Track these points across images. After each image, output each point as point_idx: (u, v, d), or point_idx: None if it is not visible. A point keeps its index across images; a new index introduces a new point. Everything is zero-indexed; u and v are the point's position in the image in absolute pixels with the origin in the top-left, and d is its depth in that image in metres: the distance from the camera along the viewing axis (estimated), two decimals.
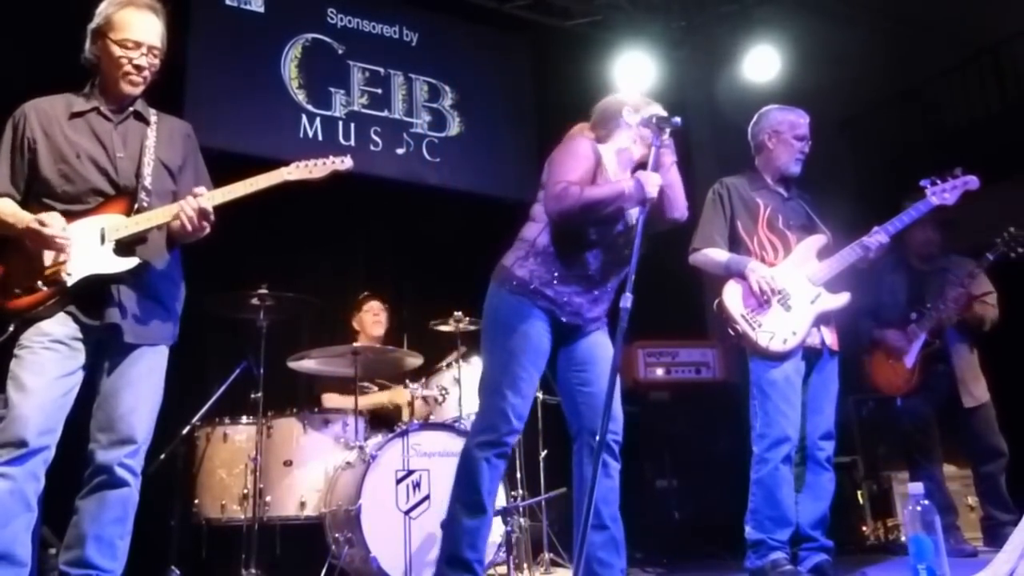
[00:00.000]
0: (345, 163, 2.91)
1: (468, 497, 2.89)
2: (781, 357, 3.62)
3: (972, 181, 3.82)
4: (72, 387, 2.61)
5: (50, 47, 4.49)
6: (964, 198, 3.91)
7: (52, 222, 2.59)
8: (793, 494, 3.63)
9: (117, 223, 2.67)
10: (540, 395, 4.33)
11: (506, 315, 2.97)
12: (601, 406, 2.75)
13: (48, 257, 2.62)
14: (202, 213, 2.67)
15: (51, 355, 2.56)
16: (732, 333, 3.71)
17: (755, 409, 3.69)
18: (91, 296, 2.64)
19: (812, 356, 3.74)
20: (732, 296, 3.71)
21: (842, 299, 3.72)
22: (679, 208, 3.15)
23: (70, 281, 2.61)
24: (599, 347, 3.05)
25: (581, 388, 3.03)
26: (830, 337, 3.75)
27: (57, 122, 2.74)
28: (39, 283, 2.60)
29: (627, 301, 2.62)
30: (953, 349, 4.58)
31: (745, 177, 3.98)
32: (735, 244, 3.85)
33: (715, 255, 3.83)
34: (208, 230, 2.73)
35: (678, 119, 2.89)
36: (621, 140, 3.19)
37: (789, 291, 3.68)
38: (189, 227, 2.67)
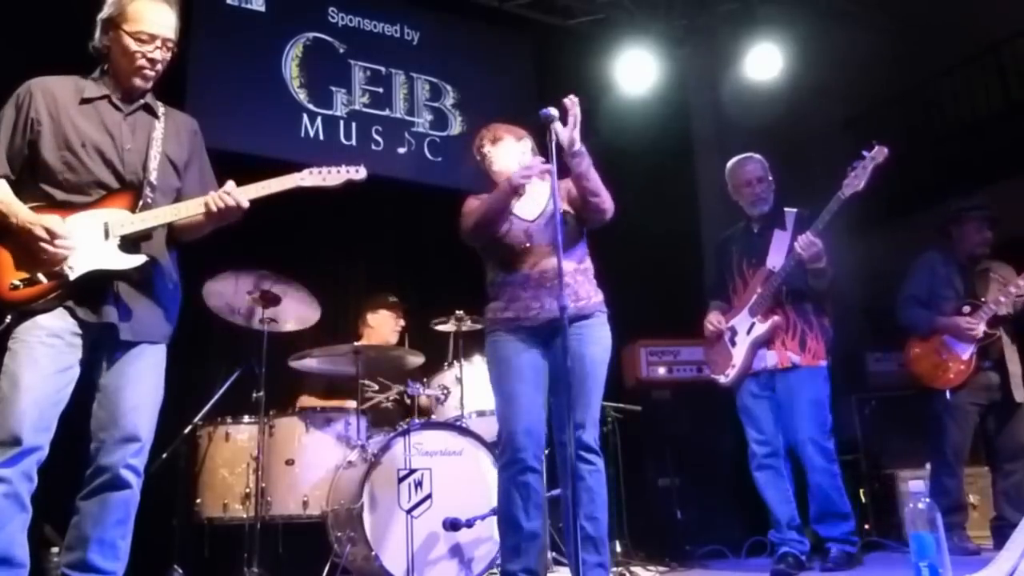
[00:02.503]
0: (360, 173, 2.89)
1: (502, 517, 3.15)
2: (732, 388, 4.26)
3: (878, 153, 3.94)
4: (68, 383, 2.56)
5: (51, 35, 4.50)
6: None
7: (59, 231, 2.53)
8: (778, 495, 4.12)
9: (121, 218, 2.62)
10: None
11: (491, 355, 3.27)
12: (568, 412, 2.89)
13: (42, 252, 2.54)
14: (240, 207, 2.67)
15: (47, 350, 2.51)
16: (708, 374, 4.47)
17: None
18: (90, 292, 2.59)
19: (772, 376, 4.17)
20: (705, 343, 4.47)
21: (767, 324, 4.14)
22: (600, 202, 3.22)
23: (72, 275, 2.55)
24: (574, 352, 3.04)
25: (554, 398, 3.16)
26: (774, 359, 4.13)
27: (65, 106, 2.66)
28: (39, 275, 2.53)
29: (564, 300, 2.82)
30: (1004, 343, 4.56)
31: (740, 224, 4.48)
32: (726, 291, 4.42)
33: (710, 306, 4.46)
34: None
35: (547, 109, 3.02)
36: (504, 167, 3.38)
37: (737, 328, 4.25)
38: (223, 218, 2.68)
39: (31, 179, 2.64)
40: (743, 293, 4.28)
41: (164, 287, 2.76)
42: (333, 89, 6.22)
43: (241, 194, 2.68)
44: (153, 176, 2.70)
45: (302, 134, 6.02)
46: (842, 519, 4.04)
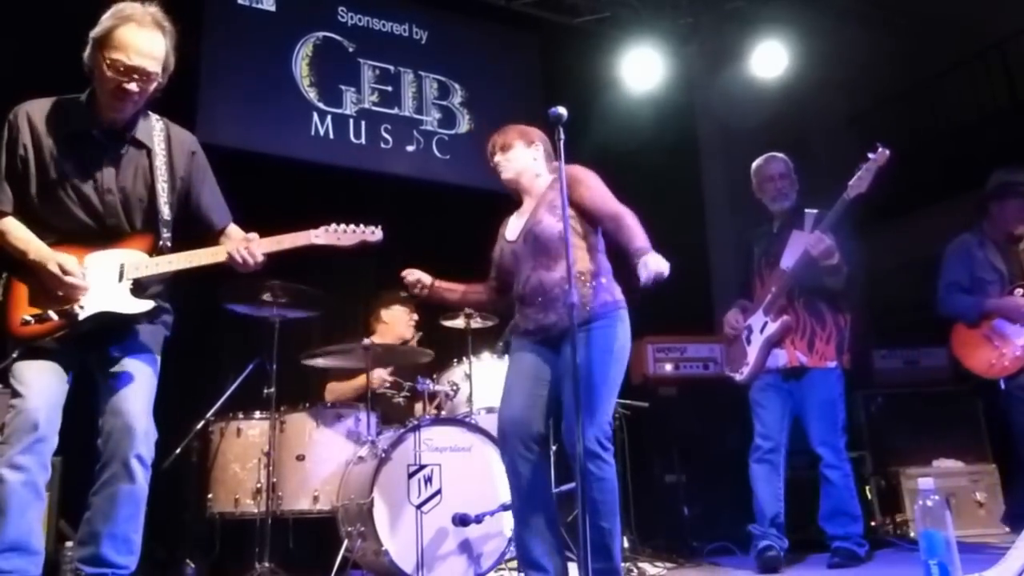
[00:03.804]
0: (376, 235, 2.99)
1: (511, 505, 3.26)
2: (747, 384, 4.33)
3: (879, 155, 3.93)
4: (67, 378, 2.63)
5: (48, 43, 4.51)
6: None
7: (73, 269, 2.56)
8: (769, 490, 4.17)
9: (138, 261, 2.66)
10: None
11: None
12: (569, 419, 2.99)
13: (55, 286, 2.56)
14: (257, 262, 2.73)
15: (45, 351, 2.58)
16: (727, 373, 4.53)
17: None
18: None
19: (787, 375, 4.24)
20: (725, 342, 4.62)
21: (777, 323, 4.22)
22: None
23: (82, 315, 2.58)
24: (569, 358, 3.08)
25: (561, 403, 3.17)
26: (784, 358, 4.21)
27: (48, 142, 2.64)
28: (50, 312, 2.56)
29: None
30: None
31: (760, 225, 4.56)
32: (751, 290, 4.47)
33: (736, 305, 4.51)
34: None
35: (556, 108, 2.93)
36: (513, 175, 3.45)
37: (753, 327, 4.33)
38: (245, 268, 2.73)
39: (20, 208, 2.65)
40: (761, 292, 4.35)
41: (158, 317, 2.79)
42: (343, 88, 6.26)
43: (257, 248, 2.73)
44: (165, 214, 2.73)
45: (312, 132, 6.05)
46: (852, 520, 4.08)
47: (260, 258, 2.73)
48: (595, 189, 3.22)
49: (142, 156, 2.74)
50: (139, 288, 2.67)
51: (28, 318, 2.56)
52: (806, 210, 4.27)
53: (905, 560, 4.23)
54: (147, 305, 2.67)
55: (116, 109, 2.66)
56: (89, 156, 2.68)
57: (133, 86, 2.60)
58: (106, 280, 2.63)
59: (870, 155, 3.95)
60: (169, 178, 2.77)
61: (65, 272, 2.55)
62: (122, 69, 2.57)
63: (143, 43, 2.59)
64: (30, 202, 2.64)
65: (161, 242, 2.70)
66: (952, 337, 4.45)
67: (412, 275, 3.47)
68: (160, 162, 2.75)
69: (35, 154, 2.63)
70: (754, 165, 4.54)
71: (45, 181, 2.63)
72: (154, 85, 2.67)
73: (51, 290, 2.57)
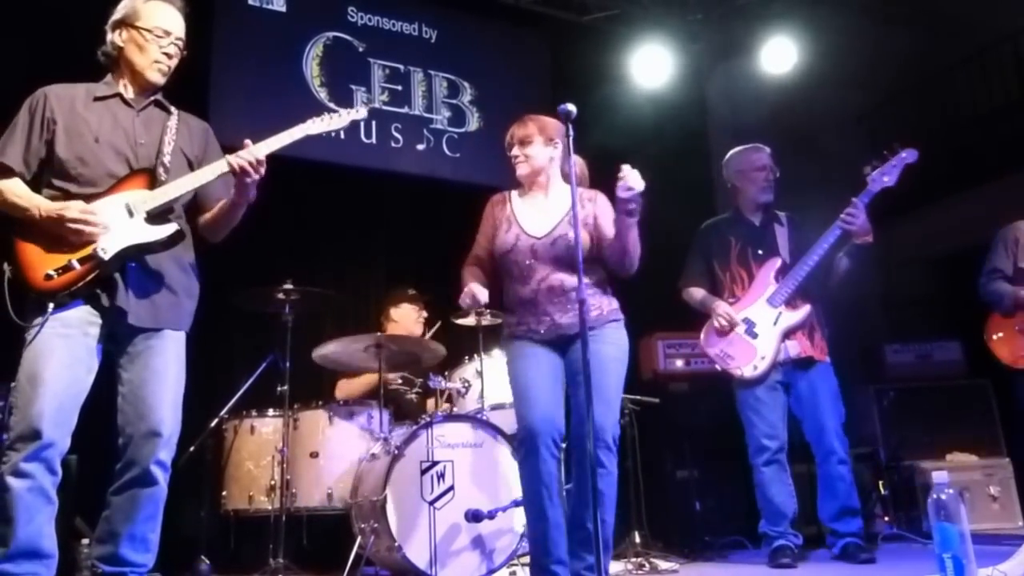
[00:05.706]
0: (361, 112, 3.07)
1: (528, 508, 3.16)
2: (757, 381, 4.14)
3: (909, 155, 3.94)
4: (87, 373, 2.60)
5: (55, 46, 4.55)
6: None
7: (91, 207, 2.58)
8: (784, 489, 4.11)
9: (142, 196, 2.67)
10: None
11: (508, 361, 3.33)
12: (582, 413, 2.97)
13: (77, 235, 2.57)
14: (258, 161, 2.73)
15: (62, 341, 2.54)
16: (719, 368, 4.27)
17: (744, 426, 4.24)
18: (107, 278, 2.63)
19: (794, 367, 4.16)
20: (706, 338, 4.31)
21: (801, 312, 4.13)
22: (625, 261, 3.22)
23: (106, 256, 2.58)
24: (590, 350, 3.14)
25: (571, 399, 3.18)
26: (796, 348, 4.13)
27: (78, 106, 2.74)
28: (72, 262, 2.56)
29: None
30: None
31: (728, 215, 4.47)
32: (714, 280, 4.36)
33: (693, 293, 4.40)
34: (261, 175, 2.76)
35: (565, 105, 2.90)
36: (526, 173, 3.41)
37: (754, 319, 4.17)
38: (249, 173, 2.72)
39: (47, 177, 2.69)
40: (747, 283, 4.26)
41: (172, 273, 2.78)
42: (353, 88, 6.26)
43: (256, 151, 2.76)
44: (167, 159, 2.77)
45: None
46: (857, 515, 4.09)
47: (262, 160, 2.75)
48: (610, 216, 3.30)
49: (163, 116, 2.89)
50: (155, 220, 2.69)
51: (51, 272, 2.55)
52: (774, 211, 4.35)
53: (919, 554, 4.23)
54: (169, 229, 2.69)
55: (159, 74, 2.83)
56: (120, 114, 2.80)
57: (172, 49, 2.84)
58: (118, 220, 2.63)
59: (899, 152, 3.95)
60: (186, 142, 2.88)
61: (87, 212, 2.57)
62: (160, 33, 2.81)
63: (173, 14, 2.87)
64: (57, 160, 2.68)
65: (159, 178, 2.73)
66: (987, 323, 4.36)
67: (471, 297, 3.26)
68: (173, 125, 2.86)
69: (65, 117, 2.71)
70: (737, 154, 4.47)
71: (80, 138, 2.70)
72: (178, 58, 2.88)
73: (66, 239, 2.57)
